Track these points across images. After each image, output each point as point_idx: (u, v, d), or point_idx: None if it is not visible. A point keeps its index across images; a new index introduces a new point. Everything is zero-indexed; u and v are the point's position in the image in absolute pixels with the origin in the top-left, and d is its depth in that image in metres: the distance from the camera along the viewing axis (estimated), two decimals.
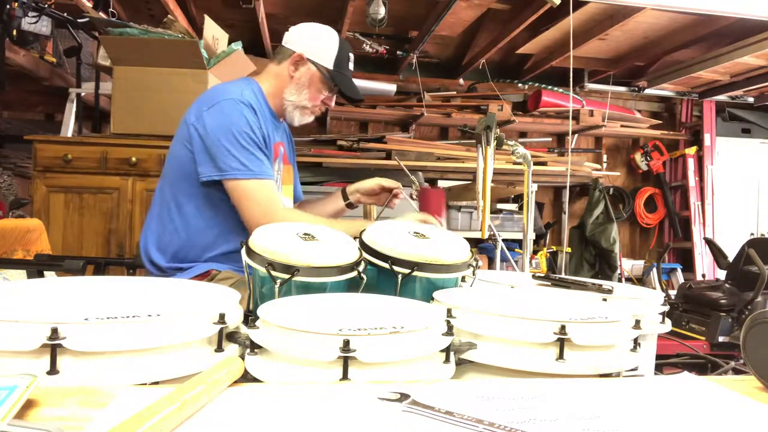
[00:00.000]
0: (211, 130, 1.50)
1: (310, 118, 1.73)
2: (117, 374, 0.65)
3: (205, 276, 1.53)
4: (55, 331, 0.62)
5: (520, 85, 4.91)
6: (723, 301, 2.74)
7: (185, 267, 1.55)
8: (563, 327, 0.77)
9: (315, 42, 1.67)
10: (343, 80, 1.69)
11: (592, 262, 5.00)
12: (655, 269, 4.55)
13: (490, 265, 3.92)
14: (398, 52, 4.31)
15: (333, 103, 1.75)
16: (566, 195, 3.98)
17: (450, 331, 0.77)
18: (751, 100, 5.20)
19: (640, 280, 5.12)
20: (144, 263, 1.62)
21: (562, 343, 0.77)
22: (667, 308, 1.11)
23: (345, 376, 0.67)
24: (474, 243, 4.07)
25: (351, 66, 1.72)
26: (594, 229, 4.92)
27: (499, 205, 4.69)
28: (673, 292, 3.38)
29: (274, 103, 1.69)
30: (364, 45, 4.12)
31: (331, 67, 1.66)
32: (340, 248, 1.06)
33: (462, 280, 1.14)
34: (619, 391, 0.69)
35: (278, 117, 1.72)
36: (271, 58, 1.72)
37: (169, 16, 3.05)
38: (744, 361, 0.73)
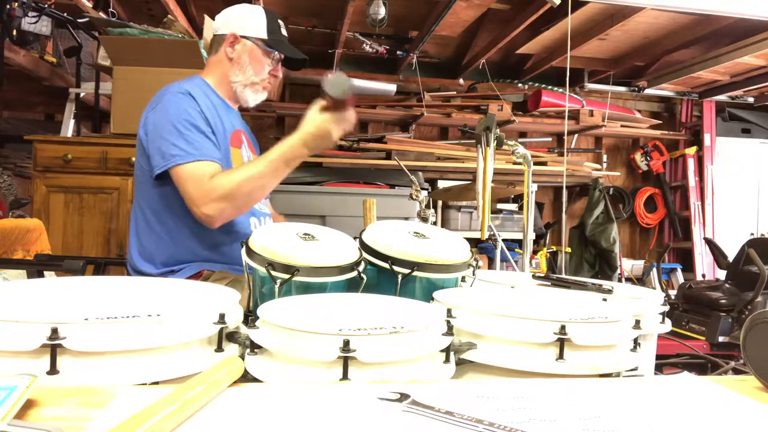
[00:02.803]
0: (154, 128, 1.51)
1: (263, 95, 1.73)
2: (117, 374, 0.65)
3: (197, 276, 1.52)
4: (55, 331, 0.62)
5: (520, 85, 4.91)
6: (723, 301, 2.75)
7: (177, 269, 1.54)
8: (563, 327, 0.77)
9: (242, 18, 1.68)
10: (281, 45, 1.70)
11: (592, 262, 5.00)
12: (655, 269, 4.55)
13: (490, 265, 3.92)
14: (398, 52, 4.31)
15: (281, 74, 1.74)
16: (564, 195, 3.99)
17: (450, 331, 0.77)
18: (751, 100, 5.20)
19: (640, 280, 5.12)
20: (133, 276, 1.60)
21: (562, 343, 0.77)
22: (667, 308, 1.11)
23: (345, 376, 0.67)
24: (474, 243, 4.07)
25: (284, 31, 1.73)
26: (594, 229, 4.92)
27: (499, 205, 4.70)
28: (673, 292, 3.39)
29: (223, 91, 1.69)
30: (364, 45, 4.12)
31: (265, 36, 1.67)
32: (340, 248, 1.06)
33: (462, 280, 1.14)
34: (619, 391, 0.69)
35: (232, 105, 1.73)
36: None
37: (169, 16, 3.05)
38: (744, 361, 0.73)
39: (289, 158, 1.45)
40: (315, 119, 1.44)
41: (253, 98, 1.71)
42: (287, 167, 1.46)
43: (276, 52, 1.70)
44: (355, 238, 1.15)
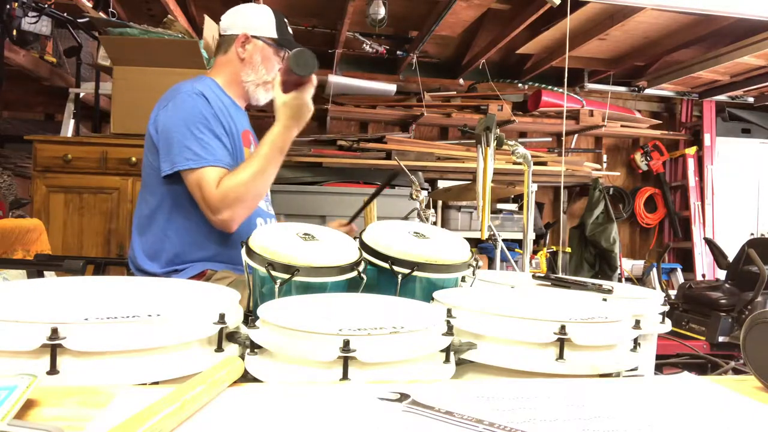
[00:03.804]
0: (166, 127, 1.51)
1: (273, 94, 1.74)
2: (117, 374, 0.65)
3: (200, 276, 1.52)
4: (55, 331, 0.62)
5: (519, 85, 4.91)
6: (723, 301, 2.75)
7: (180, 269, 1.54)
8: (563, 327, 0.77)
9: (252, 19, 1.69)
10: (290, 44, 1.72)
11: (592, 262, 5.00)
12: (655, 269, 4.55)
13: (490, 265, 3.92)
14: (398, 52, 4.31)
15: None
16: (563, 195, 4.00)
17: (450, 331, 0.77)
18: (751, 100, 5.20)
19: (640, 280, 5.12)
20: (136, 275, 1.58)
21: (562, 343, 0.76)
22: (667, 308, 1.11)
23: (345, 376, 0.66)
24: (474, 243, 4.07)
25: (290, 30, 1.75)
26: (594, 229, 4.92)
27: (499, 205, 4.70)
28: (673, 292, 3.39)
29: (233, 91, 1.70)
30: (364, 45, 4.12)
31: (275, 35, 1.69)
32: (340, 248, 1.06)
33: (462, 280, 1.14)
34: (619, 391, 0.69)
35: (240, 104, 1.73)
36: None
37: (169, 16, 3.05)
38: (744, 361, 0.73)
39: (281, 145, 1.52)
40: (286, 102, 1.50)
41: (265, 97, 1.72)
42: (282, 154, 1.53)
43: (285, 51, 1.71)
44: (355, 238, 1.15)
